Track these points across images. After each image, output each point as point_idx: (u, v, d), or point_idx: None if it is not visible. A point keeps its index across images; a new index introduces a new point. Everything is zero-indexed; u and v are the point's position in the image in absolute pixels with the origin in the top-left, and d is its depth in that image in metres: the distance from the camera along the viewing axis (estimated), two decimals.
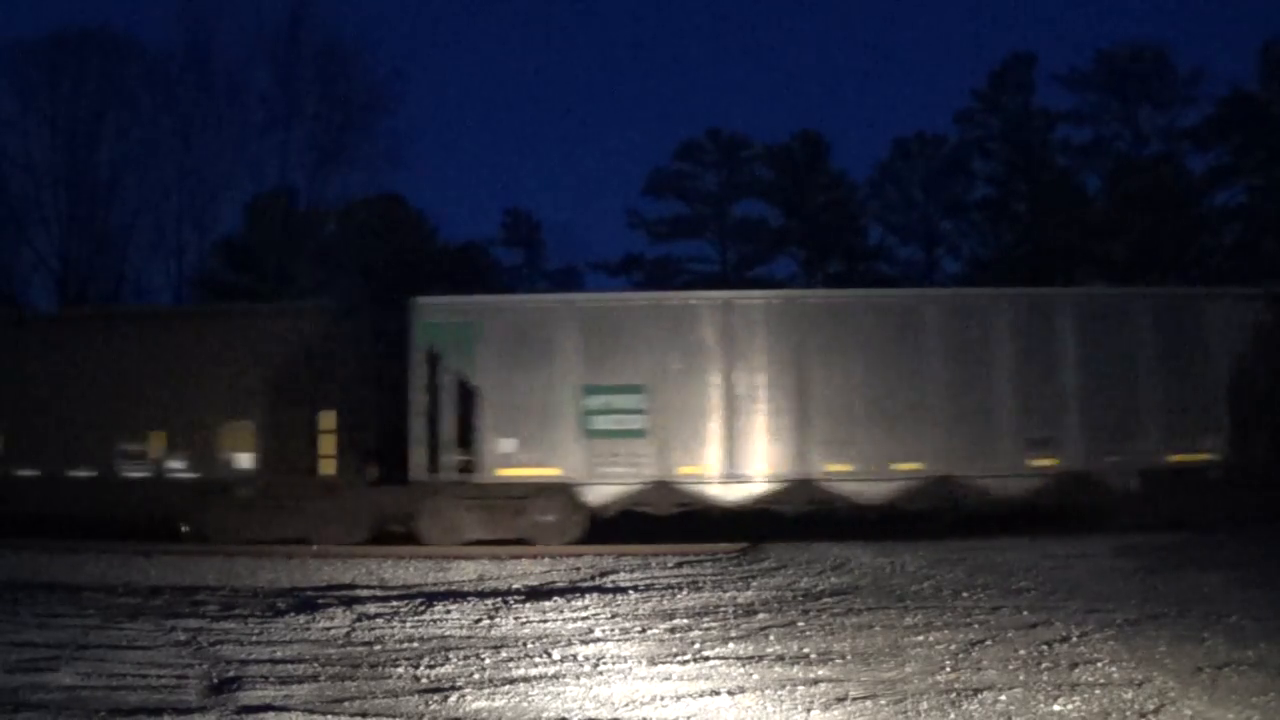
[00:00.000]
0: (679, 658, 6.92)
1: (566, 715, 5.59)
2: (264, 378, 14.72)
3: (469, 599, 9.60)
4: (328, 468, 14.57)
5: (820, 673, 6.41)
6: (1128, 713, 5.49)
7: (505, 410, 14.20)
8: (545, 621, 8.40)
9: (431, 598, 9.66)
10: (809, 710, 5.62)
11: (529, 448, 14.16)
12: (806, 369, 14.33)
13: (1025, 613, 8.26)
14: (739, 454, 14.25)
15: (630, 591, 9.86)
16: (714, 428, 14.26)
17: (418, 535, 14.42)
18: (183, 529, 15.01)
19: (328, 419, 14.61)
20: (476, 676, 6.45)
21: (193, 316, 16.77)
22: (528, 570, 11.88)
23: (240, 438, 14.66)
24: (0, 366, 15.30)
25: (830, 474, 14.23)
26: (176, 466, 14.73)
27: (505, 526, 14.33)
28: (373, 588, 10.86)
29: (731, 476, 14.23)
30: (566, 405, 14.19)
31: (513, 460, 14.16)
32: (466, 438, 14.21)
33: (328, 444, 14.59)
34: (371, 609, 8.98)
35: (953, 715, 5.50)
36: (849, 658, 6.82)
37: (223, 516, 14.60)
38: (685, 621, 8.26)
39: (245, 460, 14.65)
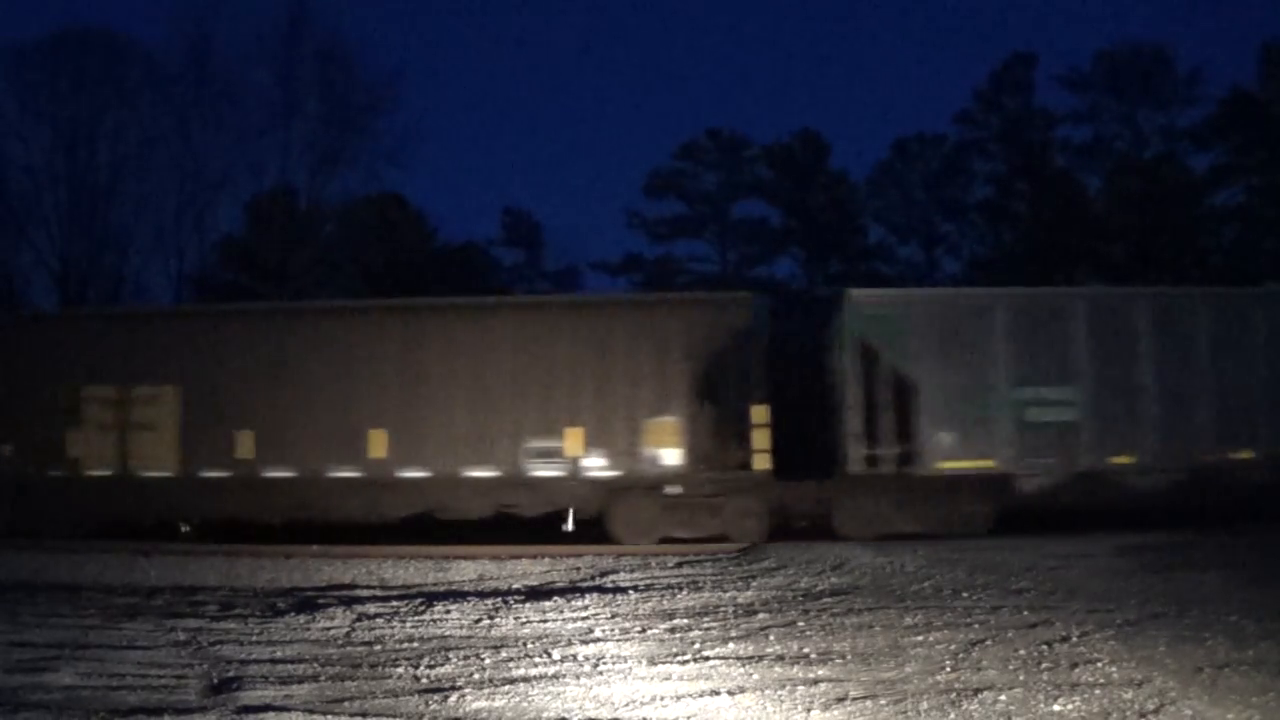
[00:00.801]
0: (679, 658, 6.92)
1: (566, 715, 5.59)
2: (691, 371, 14.55)
3: (469, 599, 9.60)
4: (761, 463, 14.41)
5: (820, 673, 6.41)
6: (1128, 713, 5.49)
7: (942, 402, 14.29)
8: (545, 621, 8.40)
9: (431, 598, 9.66)
10: (809, 710, 5.62)
11: (967, 440, 14.28)
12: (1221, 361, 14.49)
13: (1025, 613, 8.26)
14: (1173, 442, 14.37)
15: (630, 591, 9.86)
16: (1145, 417, 14.37)
17: (833, 528, 14.41)
18: (183, 529, 15.00)
19: (760, 413, 14.47)
20: (476, 676, 6.45)
21: (613, 306, 16.22)
22: (528, 570, 11.89)
23: (665, 433, 14.51)
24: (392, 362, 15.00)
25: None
26: (594, 464, 14.57)
27: (932, 518, 14.37)
28: (373, 588, 10.86)
29: (1155, 466, 14.33)
30: (1000, 397, 14.31)
31: (952, 453, 14.28)
32: (905, 430, 14.27)
33: (761, 438, 14.43)
34: (371, 609, 8.98)
35: (953, 715, 5.50)
36: (849, 658, 6.82)
37: (640, 514, 14.48)
38: (685, 621, 8.26)
39: (672, 456, 14.50)
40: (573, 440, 14.52)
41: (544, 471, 14.54)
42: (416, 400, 14.77)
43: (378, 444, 14.67)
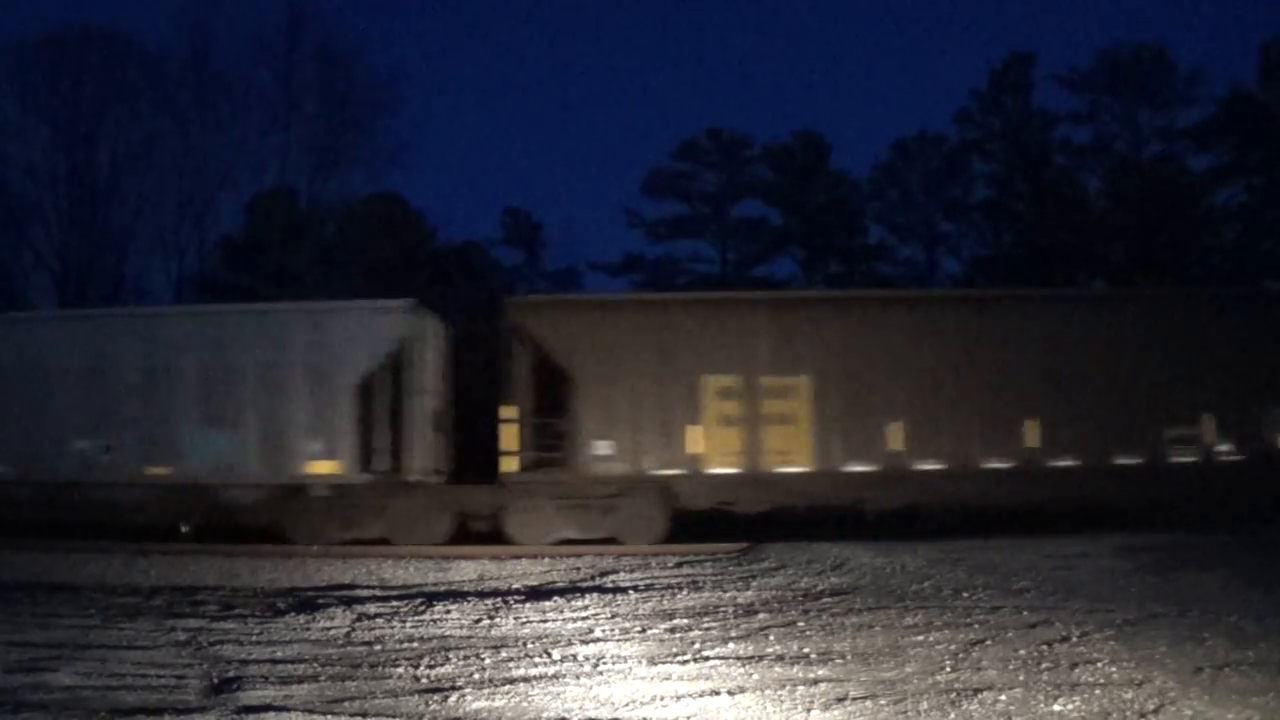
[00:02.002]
0: (679, 658, 6.92)
1: (566, 715, 5.59)
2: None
3: (469, 599, 9.60)
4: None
5: (820, 673, 6.41)
6: (1128, 713, 5.49)
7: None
8: (545, 621, 8.40)
9: (431, 598, 9.66)
10: (809, 710, 5.62)
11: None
12: None
13: (1025, 613, 8.26)
14: None
15: (630, 591, 9.86)
16: None
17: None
18: (182, 528, 14.97)
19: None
20: (476, 676, 6.45)
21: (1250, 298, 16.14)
22: (528, 570, 11.88)
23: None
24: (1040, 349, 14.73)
25: None
26: (1224, 450, 14.42)
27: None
28: (373, 588, 10.86)
29: None
30: None
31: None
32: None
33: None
34: (371, 609, 8.98)
35: (953, 715, 5.50)
36: (849, 658, 6.82)
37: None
38: (685, 621, 8.26)
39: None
40: (1207, 426, 14.54)
41: (1182, 458, 14.45)
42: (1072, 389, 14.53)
43: (1031, 434, 14.46)
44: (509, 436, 14.21)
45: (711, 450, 14.25)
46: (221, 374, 14.39)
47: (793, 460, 14.27)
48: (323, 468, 14.23)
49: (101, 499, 14.49)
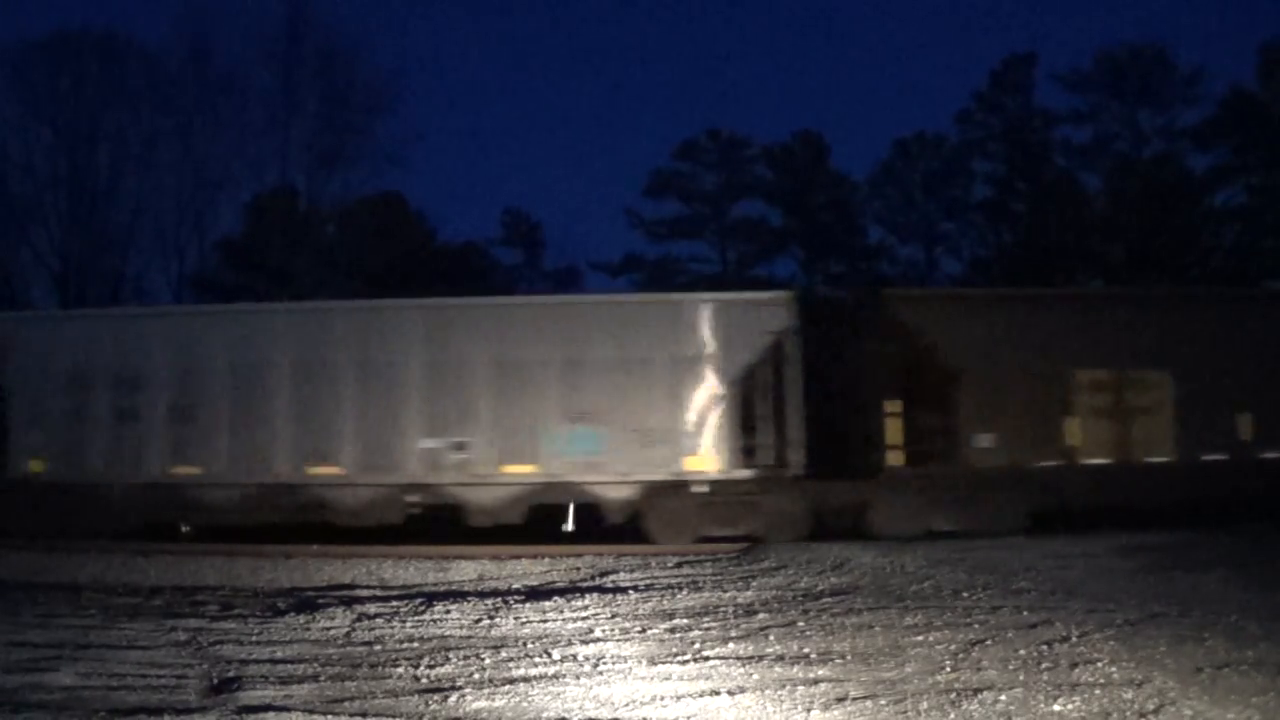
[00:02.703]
0: (679, 658, 6.92)
1: (566, 715, 5.59)
2: None
3: (469, 599, 9.60)
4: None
5: (820, 673, 6.41)
6: (1128, 713, 5.49)
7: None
8: (545, 621, 8.40)
9: (431, 598, 9.66)
10: (809, 710, 5.62)
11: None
12: None
13: (1025, 613, 8.26)
14: None
15: (630, 591, 9.86)
16: None
17: None
18: (183, 528, 14.98)
19: None
20: (476, 676, 6.45)
21: None
22: (528, 570, 11.88)
23: None
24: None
25: None
26: None
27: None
28: (373, 588, 10.86)
29: None
30: None
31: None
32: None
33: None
34: (371, 609, 8.98)
35: (953, 715, 5.50)
36: (849, 658, 6.82)
37: None
38: (685, 621, 8.26)
39: None
40: None
41: None
42: None
43: None
44: (893, 430, 14.23)
45: (1086, 442, 14.52)
46: (585, 369, 14.25)
47: (1156, 451, 14.58)
48: (702, 464, 14.12)
49: (451, 499, 14.33)
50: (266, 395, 14.41)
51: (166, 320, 15.75)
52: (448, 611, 8.86)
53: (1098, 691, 5.85)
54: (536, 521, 14.48)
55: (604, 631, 7.91)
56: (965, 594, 9.25)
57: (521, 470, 14.17)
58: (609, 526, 14.50)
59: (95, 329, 15.24)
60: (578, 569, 11.89)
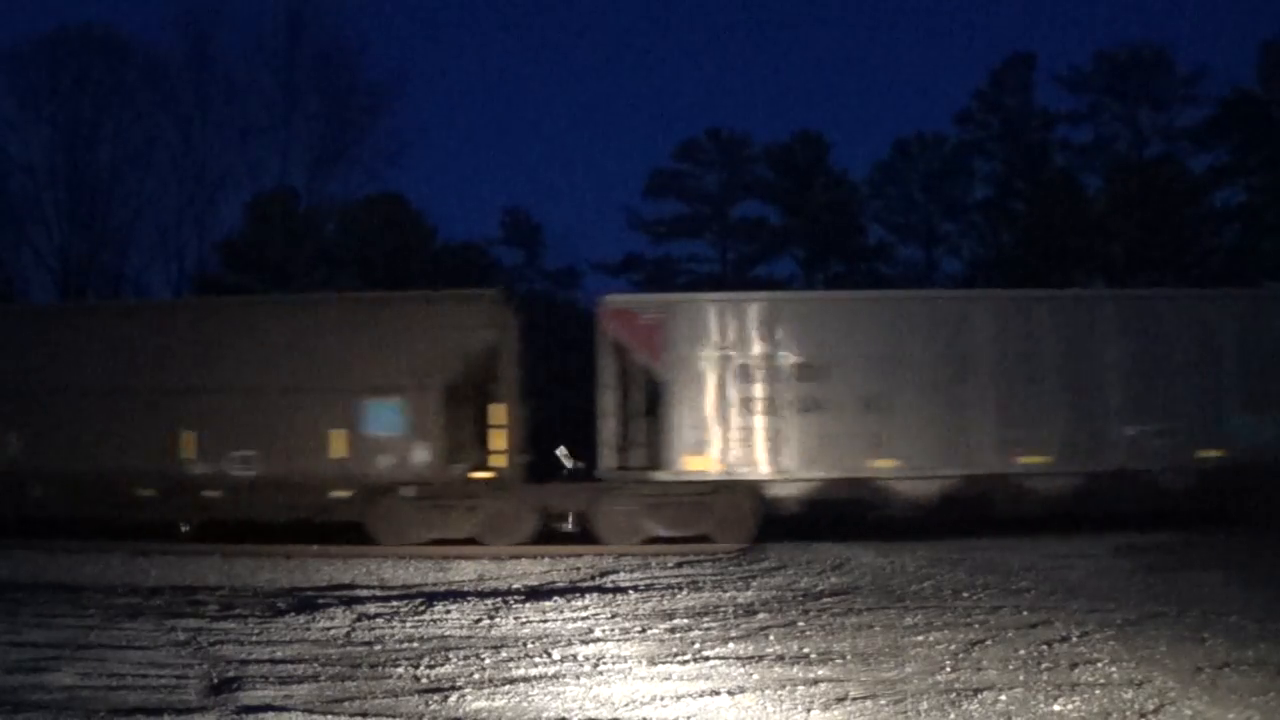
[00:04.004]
0: (679, 658, 6.92)
1: (566, 715, 5.59)
2: None
3: (469, 599, 9.60)
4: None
5: (820, 673, 6.41)
6: (1128, 713, 5.49)
7: None
8: (545, 621, 8.40)
9: (431, 598, 9.66)
10: (809, 710, 5.63)
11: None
12: None
13: (1025, 613, 8.26)
14: None
15: (630, 591, 9.86)
16: None
17: None
18: (182, 528, 14.97)
19: None
20: (476, 676, 6.46)
21: None
22: (528, 570, 11.88)
23: None
24: None
25: None
26: None
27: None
28: (373, 588, 10.86)
29: None
30: None
31: None
32: None
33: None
34: (371, 609, 8.98)
35: (953, 715, 5.51)
36: (849, 658, 6.82)
37: None
38: (685, 621, 8.26)
39: None
40: None
41: None
42: None
43: None
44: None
45: None
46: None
47: None
48: None
49: (1145, 484, 13.96)
50: (969, 386, 13.95)
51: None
52: (448, 611, 8.86)
53: (1098, 691, 5.86)
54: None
55: (604, 631, 7.91)
56: (965, 594, 9.25)
57: (1212, 455, 13.96)
58: None
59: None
60: (578, 569, 11.88)
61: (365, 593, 10.37)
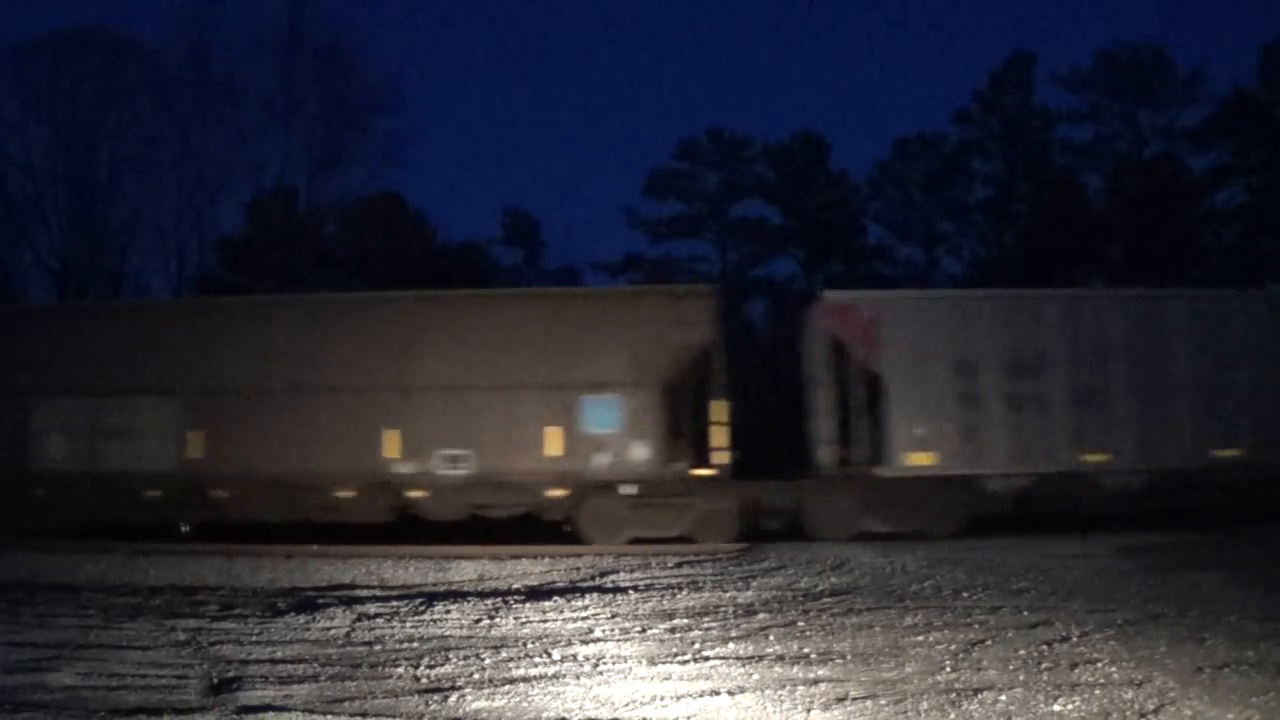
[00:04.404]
0: (679, 658, 6.92)
1: (566, 715, 5.59)
2: None
3: (469, 599, 9.60)
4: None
5: (820, 673, 6.41)
6: (1128, 713, 5.50)
7: None
8: (545, 621, 8.40)
9: (431, 598, 9.66)
10: (809, 710, 5.63)
11: None
12: None
13: (1025, 613, 8.26)
14: None
15: (630, 591, 9.86)
16: None
17: None
18: (182, 528, 14.96)
19: None
20: (476, 676, 6.45)
21: None
22: (528, 570, 11.88)
23: None
24: None
25: None
26: None
27: None
28: (373, 588, 10.86)
29: None
30: None
31: None
32: None
33: None
34: (371, 609, 8.98)
35: (953, 715, 5.51)
36: (849, 658, 6.82)
37: None
38: (685, 621, 8.26)
39: None
40: None
41: None
42: None
43: None
44: None
45: None
46: None
47: None
48: None
49: None
50: (1169, 379, 14.25)
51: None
52: (448, 611, 8.86)
53: (1098, 691, 5.86)
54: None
55: (604, 631, 7.91)
56: (965, 594, 9.25)
57: None
58: None
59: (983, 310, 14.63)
60: (578, 569, 11.88)
61: (365, 593, 10.36)
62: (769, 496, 14.47)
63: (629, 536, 13.89)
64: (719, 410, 13.85)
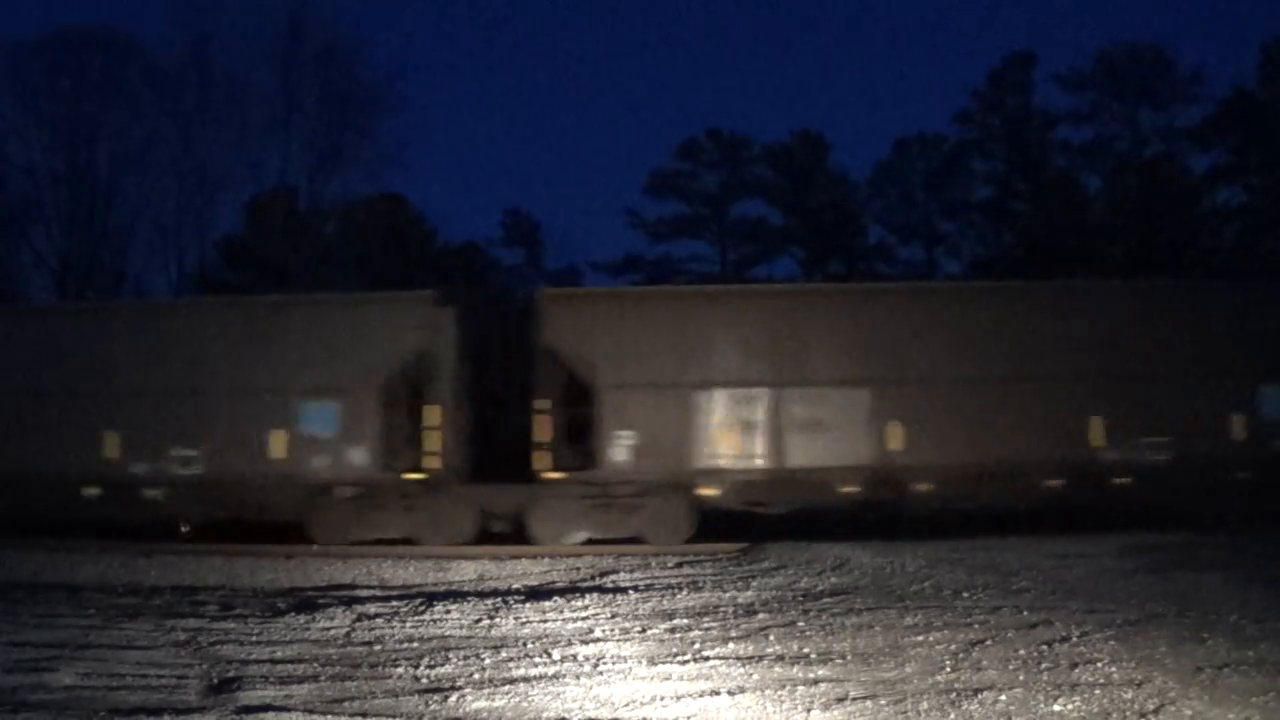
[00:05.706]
0: (679, 658, 6.92)
1: (566, 715, 5.59)
2: None
3: (469, 599, 9.60)
4: None
5: (820, 673, 6.41)
6: (1128, 713, 5.50)
7: None
8: (545, 621, 8.39)
9: (431, 598, 9.65)
10: (809, 710, 5.63)
11: None
12: None
13: (1025, 613, 8.26)
14: None
15: (630, 591, 9.86)
16: None
17: None
18: (183, 528, 14.96)
19: None
20: (476, 676, 6.46)
21: None
22: (528, 570, 11.88)
23: None
24: None
25: None
26: None
27: None
28: (373, 588, 10.86)
29: None
30: None
31: None
32: None
33: None
34: (371, 609, 8.98)
35: (953, 715, 5.51)
36: (849, 658, 6.82)
37: None
38: (685, 621, 8.26)
39: None
40: None
41: None
42: None
43: None
44: None
45: None
46: None
47: None
48: None
49: None
50: None
51: None
52: (448, 611, 8.86)
53: (1098, 691, 5.86)
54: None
55: (604, 631, 7.91)
56: (965, 594, 9.25)
57: None
58: None
59: None
60: (578, 569, 11.88)
61: (365, 593, 10.37)
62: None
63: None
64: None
